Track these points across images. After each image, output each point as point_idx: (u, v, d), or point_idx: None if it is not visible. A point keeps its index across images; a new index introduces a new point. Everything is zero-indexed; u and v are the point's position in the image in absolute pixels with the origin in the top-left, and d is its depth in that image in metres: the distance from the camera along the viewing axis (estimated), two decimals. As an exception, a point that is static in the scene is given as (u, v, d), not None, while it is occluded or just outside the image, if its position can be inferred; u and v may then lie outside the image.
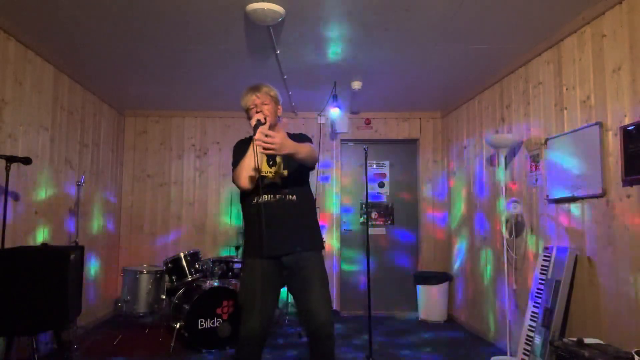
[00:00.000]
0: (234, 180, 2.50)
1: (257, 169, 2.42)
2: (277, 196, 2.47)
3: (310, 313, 2.38)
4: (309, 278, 2.42)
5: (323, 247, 2.61)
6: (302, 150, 2.34)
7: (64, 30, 3.46)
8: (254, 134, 2.40)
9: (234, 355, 2.47)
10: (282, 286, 2.57)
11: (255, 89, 2.59)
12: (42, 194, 3.89)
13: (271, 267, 2.43)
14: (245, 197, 2.56)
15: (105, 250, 5.23)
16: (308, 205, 2.58)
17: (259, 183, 2.44)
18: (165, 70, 4.35)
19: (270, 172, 2.49)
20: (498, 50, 3.79)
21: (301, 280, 2.43)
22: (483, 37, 3.54)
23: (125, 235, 5.72)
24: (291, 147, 2.28)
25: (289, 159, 2.49)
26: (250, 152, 2.44)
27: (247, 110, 2.59)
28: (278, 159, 2.49)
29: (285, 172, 2.50)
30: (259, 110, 2.52)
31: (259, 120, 2.44)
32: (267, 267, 2.42)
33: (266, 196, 2.46)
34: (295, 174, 2.53)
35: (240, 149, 2.58)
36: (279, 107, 2.65)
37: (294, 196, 2.49)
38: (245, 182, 2.44)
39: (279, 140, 2.21)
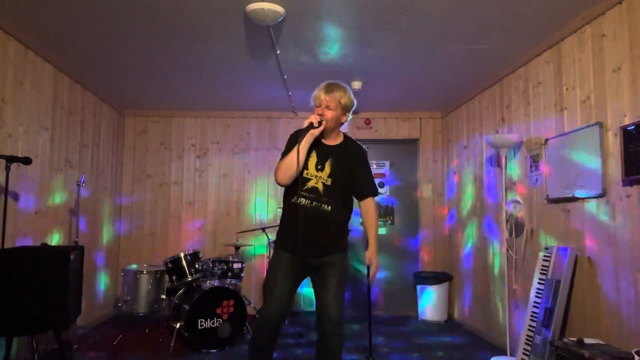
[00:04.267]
0: (275, 175, 2.55)
1: (299, 171, 2.46)
2: (314, 203, 2.52)
3: (322, 309, 2.53)
4: (328, 277, 2.55)
5: (347, 251, 2.69)
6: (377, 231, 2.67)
7: (64, 30, 3.46)
8: (303, 135, 2.46)
9: (253, 334, 2.65)
10: (304, 278, 2.67)
11: (327, 89, 2.56)
12: (42, 194, 3.89)
13: (294, 261, 2.56)
14: (287, 192, 2.61)
15: (105, 250, 5.23)
16: (341, 218, 2.63)
17: (301, 184, 2.51)
18: (165, 70, 4.35)
19: (316, 176, 2.54)
20: (498, 50, 3.79)
21: (321, 278, 2.56)
22: (483, 37, 3.53)
23: (125, 235, 5.72)
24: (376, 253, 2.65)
25: (337, 168, 2.56)
26: (294, 152, 2.45)
27: (315, 105, 2.59)
28: (327, 167, 2.55)
29: (329, 181, 2.54)
30: (320, 112, 2.53)
31: (311, 123, 2.48)
32: (290, 260, 2.56)
33: (304, 200, 2.53)
34: (338, 186, 2.56)
35: (294, 139, 2.56)
36: (346, 115, 2.62)
37: (330, 207, 2.53)
38: (281, 179, 2.51)
39: (376, 270, 2.65)
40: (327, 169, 2.54)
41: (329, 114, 2.52)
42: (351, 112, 2.65)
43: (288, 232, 2.55)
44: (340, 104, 2.54)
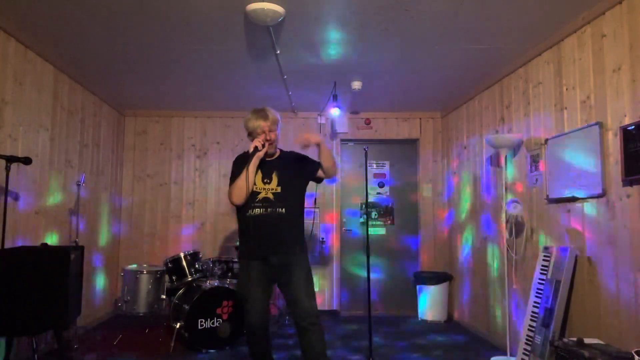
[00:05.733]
0: (229, 197, 2.83)
1: (249, 191, 2.77)
2: (269, 210, 2.80)
3: (294, 302, 2.74)
4: (294, 272, 2.77)
5: (307, 251, 2.95)
6: (330, 154, 2.86)
7: (64, 30, 3.46)
8: (251, 159, 2.76)
9: (246, 337, 2.97)
10: (273, 281, 2.90)
11: (264, 117, 2.86)
12: (42, 194, 3.89)
13: (261, 266, 2.79)
14: (241, 209, 2.86)
15: (105, 250, 5.22)
16: (296, 217, 2.90)
17: (252, 198, 2.78)
18: (165, 70, 4.35)
19: (264, 189, 2.83)
20: (498, 50, 3.78)
21: (288, 275, 2.78)
22: (483, 37, 3.53)
23: (125, 235, 5.72)
24: (324, 144, 2.85)
25: (284, 176, 2.87)
26: (243, 175, 2.75)
27: (253, 133, 2.88)
28: (274, 177, 2.86)
29: (279, 189, 2.83)
30: (269, 137, 2.84)
31: (256, 147, 2.78)
32: (257, 266, 2.79)
33: (258, 209, 2.80)
34: (288, 191, 2.86)
35: (239, 165, 2.87)
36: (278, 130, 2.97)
37: (283, 209, 2.81)
38: (237, 200, 2.78)
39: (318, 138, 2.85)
40: (275, 179, 2.86)
41: (274, 135, 2.87)
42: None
43: (250, 241, 2.80)
44: (277, 124, 2.92)
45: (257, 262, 2.78)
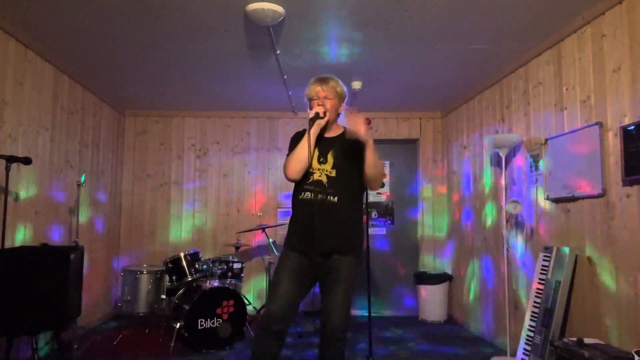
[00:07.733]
0: (284, 170, 2.50)
1: (309, 162, 2.43)
2: (319, 196, 2.45)
3: (325, 315, 2.45)
4: (335, 282, 2.44)
5: (360, 252, 2.57)
6: (376, 163, 2.41)
7: (64, 30, 3.46)
8: (310, 127, 2.43)
9: (255, 332, 2.59)
10: (313, 282, 2.56)
11: (322, 81, 2.56)
12: (42, 194, 3.89)
13: (303, 260, 2.46)
14: (295, 190, 2.56)
15: (105, 250, 5.22)
16: (350, 209, 2.50)
17: (305, 178, 2.46)
18: (165, 70, 4.35)
19: (319, 169, 2.49)
20: (498, 50, 3.78)
21: (329, 282, 2.46)
22: (483, 37, 3.53)
23: (125, 235, 5.72)
24: (372, 148, 2.37)
25: (340, 158, 2.50)
26: (303, 143, 2.43)
27: (310, 100, 2.58)
28: (329, 158, 2.50)
29: (333, 173, 2.48)
30: (321, 103, 2.51)
31: (317, 114, 2.46)
32: (297, 259, 2.47)
33: (309, 194, 2.46)
34: (343, 176, 2.48)
35: (296, 140, 2.55)
36: (342, 104, 2.62)
37: (336, 198, 2.44)
38: (292, 173, 2.46)
39: (365, 133, 2.34)
40: (330, 160, 2.50)
41: (329, 104, 2.52)
42: (345, 102, 2.65)
43: (296, 229, 2.50)
44: (337, 93, 2.56)
45: (299, 254, 2.46)
